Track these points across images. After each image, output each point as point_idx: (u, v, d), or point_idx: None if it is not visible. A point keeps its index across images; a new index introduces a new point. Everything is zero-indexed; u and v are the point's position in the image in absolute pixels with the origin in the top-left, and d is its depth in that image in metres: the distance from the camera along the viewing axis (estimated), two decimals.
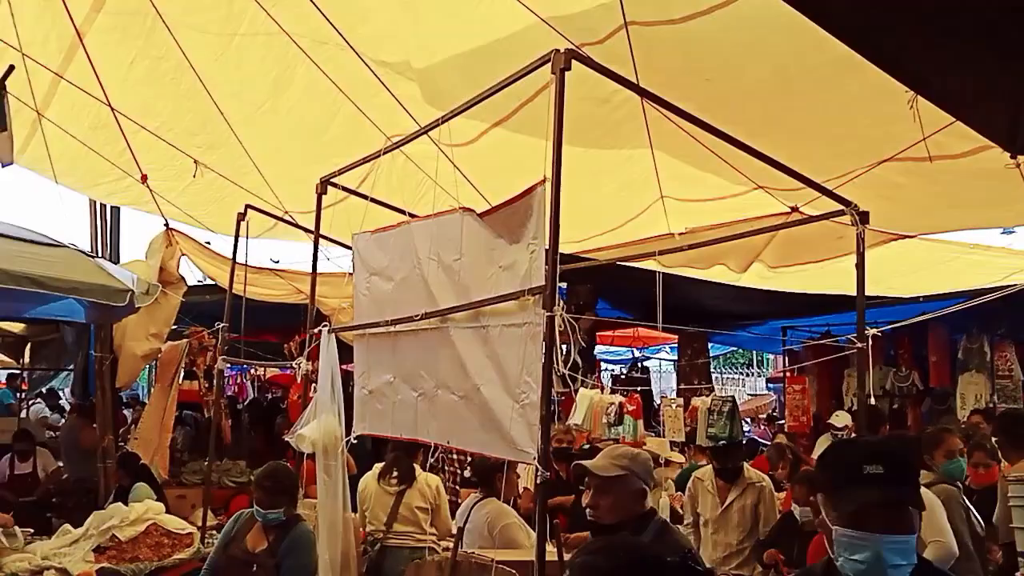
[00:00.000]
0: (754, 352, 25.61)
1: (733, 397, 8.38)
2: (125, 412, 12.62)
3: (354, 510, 6.99)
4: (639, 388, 10.90)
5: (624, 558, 2.12)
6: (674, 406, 7.59)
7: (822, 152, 5.48)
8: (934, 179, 5.26)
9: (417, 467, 6.61)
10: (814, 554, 4.78)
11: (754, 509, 6.53)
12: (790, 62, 4.60)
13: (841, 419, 9.80)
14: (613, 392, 8.12)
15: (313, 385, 5.89)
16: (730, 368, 28.38)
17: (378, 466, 6.68)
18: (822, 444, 9.32)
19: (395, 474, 6.47)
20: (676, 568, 2.29)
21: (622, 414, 7.82)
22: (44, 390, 15.22)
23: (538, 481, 3.87)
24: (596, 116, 5.31)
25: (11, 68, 4.57)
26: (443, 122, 4.79)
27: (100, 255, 8.90)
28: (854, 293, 5.44)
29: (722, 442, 7.38)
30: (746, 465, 6.80)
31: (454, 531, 6.53)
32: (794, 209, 6.55)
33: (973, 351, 10.88)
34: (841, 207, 5.02)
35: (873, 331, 6.80)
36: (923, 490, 2.94)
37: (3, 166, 4.52)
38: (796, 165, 5.00)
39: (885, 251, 6.99)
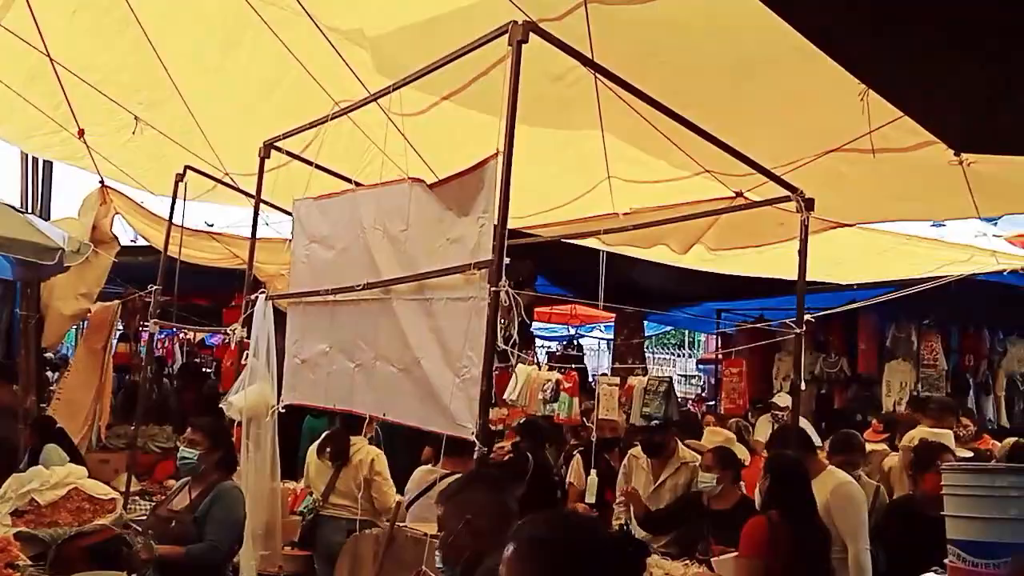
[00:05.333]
0: (686, 333, 25.91)
1: (670, 378, 8.45)
2: (48, 374, 12.25)
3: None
4: (574, 366, 10.95)
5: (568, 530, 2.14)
6: (609, 384, 7.63)
7: (771, 140, 5.51)
8: (877, 171, 5.34)
9: (362, 440, 6.59)
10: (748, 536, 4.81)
11: (686, 488, 6.60)
12: (747, 49, 4.62)
13: (783, 400, 9.92)
14: (550, 369, 8.14)
15: (246, 352, 5.81)
16: (662, 349, 28.69)
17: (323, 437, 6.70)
18: (763, 424, 9.46)
19: (329, 451, 6.49)
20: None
21: (558, 391, 7.85)
22: None
23: (476, 456, 3.87)
24: (548, 94, 5.26)
25: None
26: (394, 90, 4.72)
27: (30, 211, 8.64)
28: (790, 278, 5.53)
29: (655, 422, 7.45)
30: (681, 444, 6.87)
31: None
32: (739, 194, 6.60)
33: (901, 340, 11.12)
34: (787, 193, 5.09)
35: (807, 317, 6.93)
36: None
37: None
38: (745, 151, 5.05)
39: (823, 239, 7.07)
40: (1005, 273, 8.03)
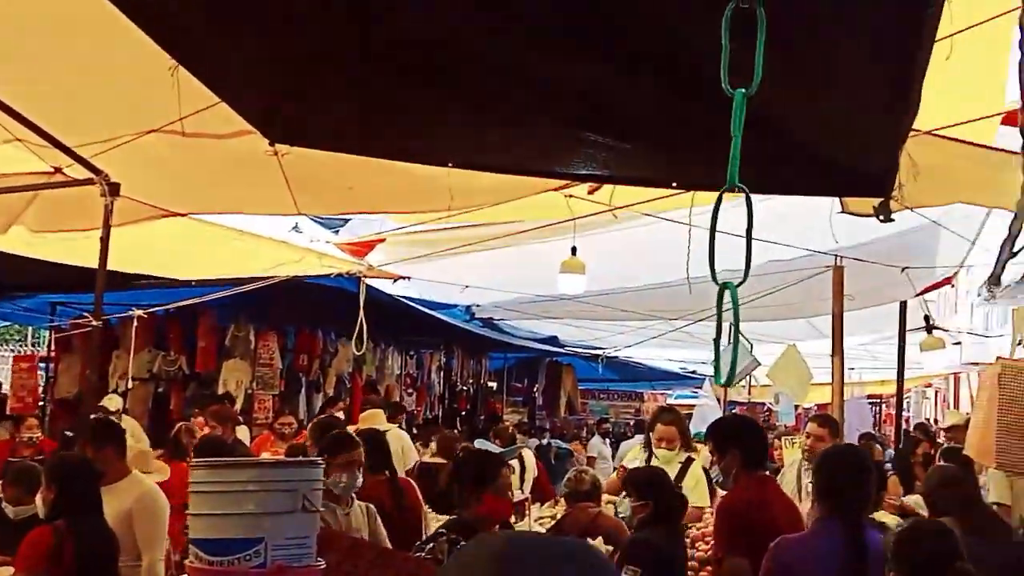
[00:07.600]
0: (31, 329, 23.88)
1: None
2: None
3: None
4: None
5: None
6: None
7: (88, 113, 5.09)
8: (199, 158, 5.20)
9: None
10: None
11: None
12: (60, 10, 4.15)
13: (114, 403, 9.33)
14: None
15: None
16: (3, 344, 26.19)
17: None
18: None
19: None
20: None
21: None
22: None
23: None
24: None
25: None
26: None
27: None
28: (130, 270, 5.17)
29: None
30: None
31: None
32: (58, 170, 6.01)
33: (239, 339, 11.34)
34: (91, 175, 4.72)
35: (140, 312, 6.60)
36: None
37: None
38: (64, 123, 4.56)
39: (156, 230, 6.79)
40: (333, 276, 8.49)
